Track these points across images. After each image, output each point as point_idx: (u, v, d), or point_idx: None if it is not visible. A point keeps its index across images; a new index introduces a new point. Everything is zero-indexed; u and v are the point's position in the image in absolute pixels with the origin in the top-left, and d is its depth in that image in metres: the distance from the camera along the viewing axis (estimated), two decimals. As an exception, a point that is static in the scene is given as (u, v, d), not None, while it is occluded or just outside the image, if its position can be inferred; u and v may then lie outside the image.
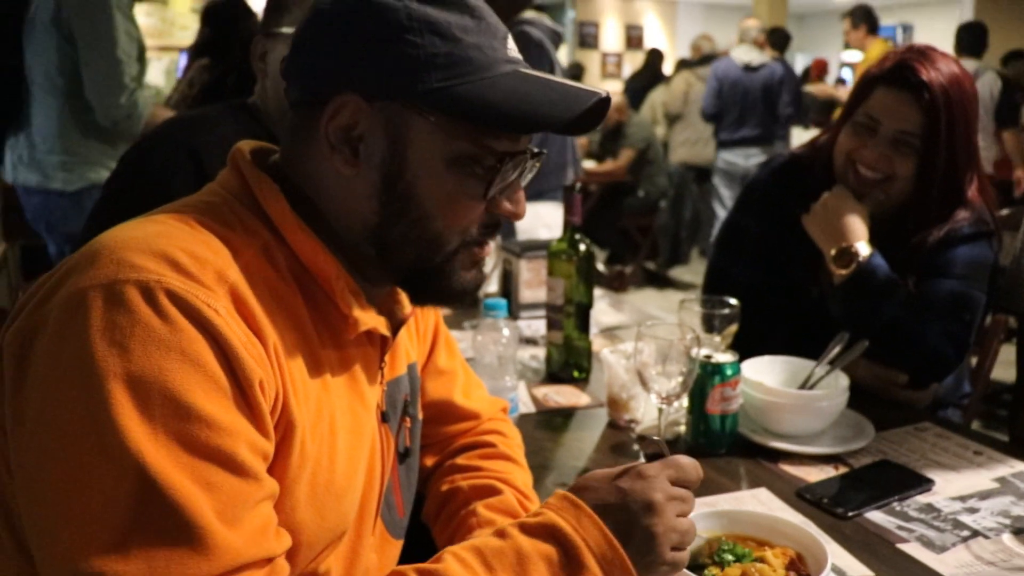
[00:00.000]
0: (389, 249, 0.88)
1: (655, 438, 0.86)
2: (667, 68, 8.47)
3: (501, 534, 0.82)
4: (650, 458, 0.90)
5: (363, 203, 0.86)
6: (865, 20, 5.83)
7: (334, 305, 0.87)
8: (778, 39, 6.66)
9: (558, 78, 0.88)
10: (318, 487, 0.84)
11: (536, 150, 0.89)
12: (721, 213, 6.27)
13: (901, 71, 1.61)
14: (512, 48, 0.88)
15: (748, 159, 6.02)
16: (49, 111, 2.83)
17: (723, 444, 1.42)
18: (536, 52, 3.75)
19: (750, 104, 5.98)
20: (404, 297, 1.02)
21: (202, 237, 0.79)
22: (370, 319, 0.90)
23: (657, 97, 7.37)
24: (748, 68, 6.01)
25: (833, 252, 1.63)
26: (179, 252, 0.75)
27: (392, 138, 0.84)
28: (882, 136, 1.63)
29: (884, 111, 1.63)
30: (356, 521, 0.94)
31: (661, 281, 6.88)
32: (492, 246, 0.95)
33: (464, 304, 0.97)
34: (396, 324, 0.97)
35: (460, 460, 1.16)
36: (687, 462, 0.89)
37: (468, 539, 1.00)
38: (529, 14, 3.46)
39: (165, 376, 0.69)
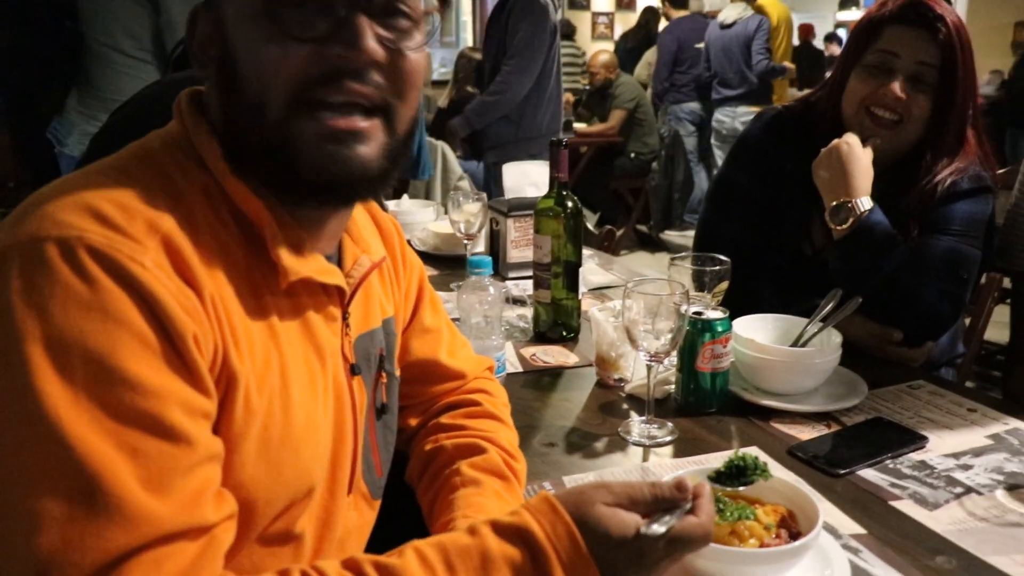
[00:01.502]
0: (240, 145, 0.81)
1: (666, 519, 0.79)
2: (662, 26, 8.36)
3: (472, 531, 0.77)
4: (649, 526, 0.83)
5: (218, 107, 0.83)
6: None
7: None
8: None
9: None
10: (271, 441, 0.80)
11: None
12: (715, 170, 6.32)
13: (915, 7, 1.60)
14: None
15: (736, 118, 6.12)
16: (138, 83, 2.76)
17: (713, 402, 1.40)
18: (541, 13, 3.76)
19: (730, 62, 6.09)
20: (374, 247, 0.99)
21: (136, 185, 0.75)
22: (310, 268, 0.85)
23: (647, 57, 7.28)
24: (723, 26, 6.10)
25: (833, 204, 1.60)
26: (105, 203, 0.72)
27: (218, 23, 0.81)
28: (901, 71, 1.61)
29: (901, 45, 1.61)
30: (328, 479, 0.90)
31: (654, 244, 6.84)
32: (362, 120, 0.81)
33: (361, 194, 0.84)
34: (359, 274, 0.94)
35: (444, 419, 1.13)
36: (696, 535, 0.80)
37: (446, 516, 0.97)
38: None
39: (86, 338, 0.66)
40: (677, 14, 6.91)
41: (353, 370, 0.94)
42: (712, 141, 6.43)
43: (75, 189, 0.73)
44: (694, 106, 6.66)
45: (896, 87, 1.61)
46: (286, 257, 0.83)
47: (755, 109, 6.00)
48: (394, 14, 0.81)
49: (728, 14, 6.14)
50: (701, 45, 6.61)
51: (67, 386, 0.64)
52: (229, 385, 0.76)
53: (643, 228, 6.94)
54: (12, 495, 0.63)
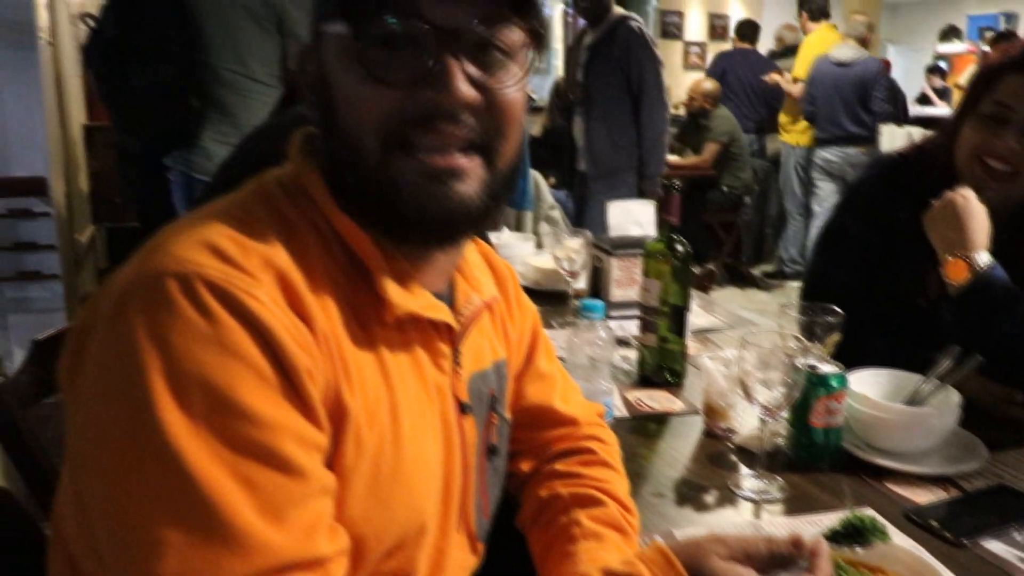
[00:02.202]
0: (344, 185, 0.84)
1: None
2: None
3: None
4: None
5: (321, 141, 0.86)
6: (804, 7, 6.51)
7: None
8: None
9: None
10: (381, 476, 0.82)
11: (449, 27, 0.77)
12: (817, 209, 6.27)
13: None
14: None
15: (846, 159, 6.05)
16: (270, 107, 2.77)
17: (825, 459, 1.37)
18: (653, 44, 3.91)
19: (843, 101, 5.97)
20: (485, 285, 1.01)
21: (253, 223, 0.78)
22: (417, 304, 0.87)
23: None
24: (840, 64, 5.97)
25: (949, 260, 1.55)
26: (223, 239, 0.75)
27: (319, 63, 0.84)
28: (1016, 124, 1.55)
29: (1018, 97, 1.55)
30: (440, 517, 0.92)
31: (742, 279, 6.74)
32: (461, 157, 0.81)
33: (462, 231, 0.84)
34: (470, 312, 0.96)
35: (559, 466, 1.13)
36: None
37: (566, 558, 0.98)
38: (619, 10, 3.57)
39: (205, 370, 0.68)
40: (741, 46, 6.95)
41: (464, 409, 0.95)
42: (814, 175, 6.36)
43: (196, 227, 0.77)
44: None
45: (1009, 139, 1.56)
46: (392, 291, 0.85)
47: (862, 150, 6.00)
48: (488, 51, 0.81)
49: (844, 53, 6.03)
50: (767, 77, 6.68)
51: (187, 417, 0.67)
52: (340, 419, 0.78)
53: (731, 263, 6.85)
54: (133, 522, 0.66)
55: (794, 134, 6.53)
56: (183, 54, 2.93)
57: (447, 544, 0.94)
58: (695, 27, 12.53)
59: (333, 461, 0.78)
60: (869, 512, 1.16)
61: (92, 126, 5.48)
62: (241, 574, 0.66)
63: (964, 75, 8.40)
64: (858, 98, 5.95)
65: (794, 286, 6.27)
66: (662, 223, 1.69)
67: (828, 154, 6.16)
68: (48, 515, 1.33)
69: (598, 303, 1.47)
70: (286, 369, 0.72)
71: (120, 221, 5.54)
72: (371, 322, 0.84)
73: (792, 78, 6.53)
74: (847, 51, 6.03)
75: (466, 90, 0.79)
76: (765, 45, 7.67)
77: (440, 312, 0.91)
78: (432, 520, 0.90)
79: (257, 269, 0.74)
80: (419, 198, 0.81)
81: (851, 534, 0.99)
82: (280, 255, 0.76)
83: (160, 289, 0.70)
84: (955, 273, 1.55)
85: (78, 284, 4.49)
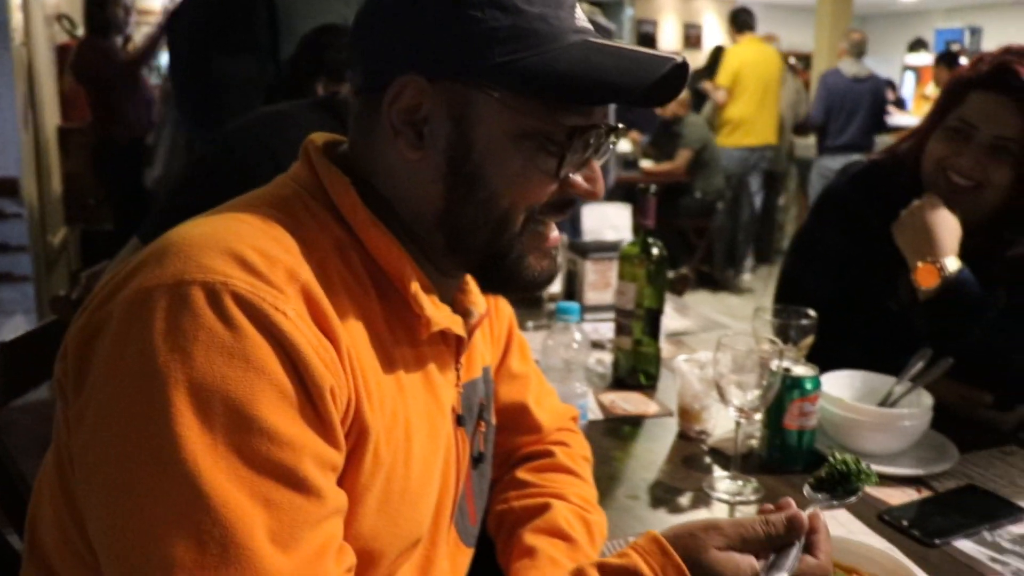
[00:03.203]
0: (458, 235, 0.84)
1: (784, 563, 0.79)
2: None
3: (578, 573, 0.78)
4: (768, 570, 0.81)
5: (430, 188, 0.83)
6: (732, 22, 6.88)
7: (407, 304, 0.84)
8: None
9: (631, 46, 0.83)
10: (392, 494, 0.81)
11: (613, 124, 0.84)
12: None
13: (1001, 74, 1.53)
14: (580, 17, 0.83)
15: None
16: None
17: (799, 461, 1.37)
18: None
19: (857, 114, 6.41)
20: (479, 296, 0.99)
21: (273, 233, 0.76)
22: (444, 318, 0.87)
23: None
24: (857, 80, 6.43)
25: (919, 265, 1.56)
26: (249, 250, 0.72)
27: (456, 118, 0.80)
28: (978, 142, 1.56)
29: (981, 116, 1.56)
30: (431, 528, 0.91)
31: (714, 284, 6.79)
32: (560, 235, 0.90)
33: (534, 296, 0.90)
34: (471, 324, 0.94)
35: (519, 473, 1.13)
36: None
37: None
38: (585, 7, 3.51)
39: (228, 384, 0.66)
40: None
41: (459, 420, 0.95)
42: (811, 179, 6.69)
43: (213, 233, 0.74)
44: None
45: (967, 160, 1.56)
46: (428, 308, 0.84)
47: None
48: None
49: (858, 69, 6.46)
50: (701, 85, 6.93)
51: (206, 432, 0.65)
52: (360, 438, 0.77)
53: (705, 268, 6.89)
54: (142, 539, 0.64)
55: (730, 137, 6.75)
56: (269, 50, 2.87)
57: (435, 554, 0.93)
58: (670, 36, 12.62)
59: (350, 479, 0.76)
60: (850, 456, 1.15)
61: (66, 128, 5.42)
62: None
63: (929, 86, 8.57)
64: (871, 112, 6.42)
65: (765, 290, 6.32)
66: (637, 227, 1.69)
67: (830, 162, 6.39)
68: (15, 523, 1.31)
69: (574, 305, 1.47)
70: (309, 388, 0.70)
71: (93, 223, 5.47)
72: (389, 339, 0.83)
73: (714, 85, 6.82)
74: (857, 67, 6.44)
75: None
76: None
77: (459, 326, 0.90)
78: (425, 531, 0.90)
79: (283, 283, 0.72)
80: (540, 269, 0.87)
81: (836, 480, 0.98)
82: (303, 268, 0.74)
83: (184, 297, 0.67)
84: (925, 279, 1.56)
85: (50, 286, 4.43)
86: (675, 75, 0.80)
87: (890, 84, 10.48)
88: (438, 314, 0.86)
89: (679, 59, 0.80)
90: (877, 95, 6.49)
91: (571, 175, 0.83)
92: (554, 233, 0.88)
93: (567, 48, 0.79)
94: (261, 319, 0.68)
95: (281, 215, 0.79)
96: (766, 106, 6.64)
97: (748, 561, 0.78)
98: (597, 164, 0.86)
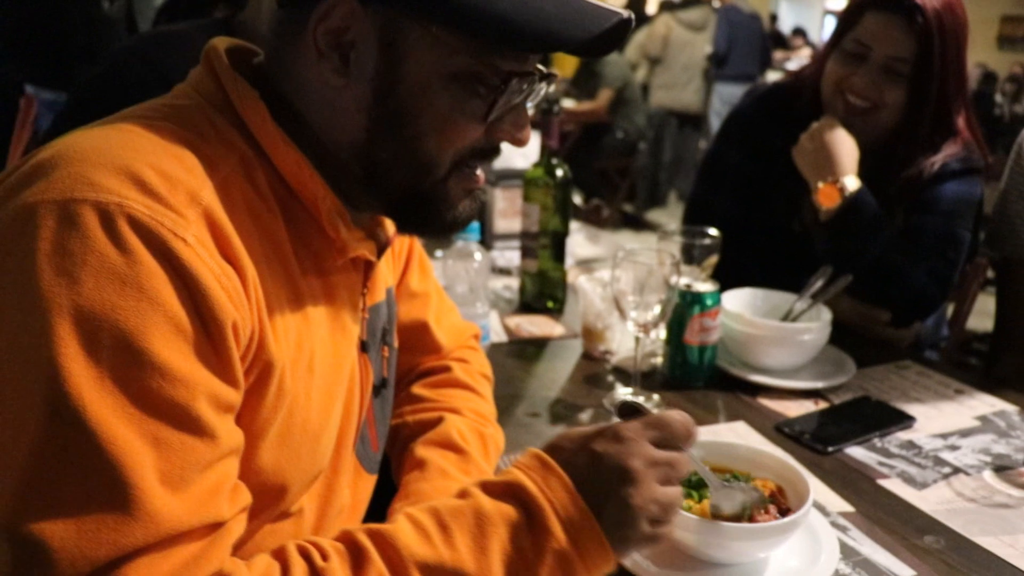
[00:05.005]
0: (377, 170, 0.79)
1: (631, 399, 0.80)
2: (650, 9, 8.28)
3: (463, 494, 0.76)
4: (623, 415, 0.83)
5: (351, 117, 0.77)
6: None
7: (319, 229, 0.79)
8: None
9: None
10: (294, 427, 0.77)
11: (546, 71, 0.80)
12: None
13: None
14: None
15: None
16: None
17: (701, 377, 1.38)
18: None
19: (752, 46, 6.87)
20: (386, 219, 0.94)
21: (173, 150, 0.69)
22: (358, 244, 0.83)
23: (638, 38, 7.21)
24: (754, 17, 6.97)
25: (820, 186, 1.57)
26: (146, 168, 0.65)
27: (386, 47, 0.74)
28: (872, 63, 1.56)
29: (874, 37, 1.56)
30: (333, 457, 0.87)
31: (638, 223, 6.82)
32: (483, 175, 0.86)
33: (452, 237, 0.86)
34: (379, 247, 0.89)
35: (414, 389, 1.10)
36: (675, 418, 0.81)
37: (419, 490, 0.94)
38: None
39: (118, 314, 0.60)
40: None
41: (363, 347, 0.91)
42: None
43: (107, 148, 0.67)
44: None
45: (862, 80, 1.57)
46: (344, 233, 0.80)
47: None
48: None
49: (749, 8, 7.03)
50: None
51: (92, 364, 0.59)
52: (263, 372, 0.72)
53: (628, 208, 6.92)
54: (21, 480, 0.58)
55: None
56: None
57: (336, 483, 0.89)
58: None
59: (250, 413, 0.72)
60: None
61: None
62: (139, 542, 0.59)
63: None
64: (761, 45, 7.10)
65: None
66: (542, 148, 1.65)
67: (731, 88, 6.74)
68: None
69: (472, 225, 1.43)
70: (207, 322, 0.65)
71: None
72: (295, 266, 0.78)
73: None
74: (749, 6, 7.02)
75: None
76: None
77: (370, 250, 0.86)
78: (327, 462, 0.86)
79: (184, 206, 0.66)
80: (463, 212, 0.84)
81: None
82: (206, 188, 0.68)
83: (73, 217, 0.61)
84: (826, 199, 1.57)
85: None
86: (617, 29, 0.76)
87: (800, 31, 10.79)
88: (352, 240, 0.82)
89: (625, 15, 0.76)
90: (765, 32, 7.41)
91: (499, 120, 0.79)
92: (480, 175, 0.84)
93: None
94: (158, 245, 0.63)
95: (180, 129, 0.72)
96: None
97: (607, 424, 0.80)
98: (527, 111, 0.82)
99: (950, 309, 2.00)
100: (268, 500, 0.76)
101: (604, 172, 6.56)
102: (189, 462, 0.63)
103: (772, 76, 6.84)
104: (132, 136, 0.70)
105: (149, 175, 0.65)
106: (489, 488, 0.76)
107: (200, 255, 0.65)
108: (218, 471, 0.66)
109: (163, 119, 0.73)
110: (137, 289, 0.61)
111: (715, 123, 6.96)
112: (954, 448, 1.20)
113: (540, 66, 0.81)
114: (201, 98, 0.77)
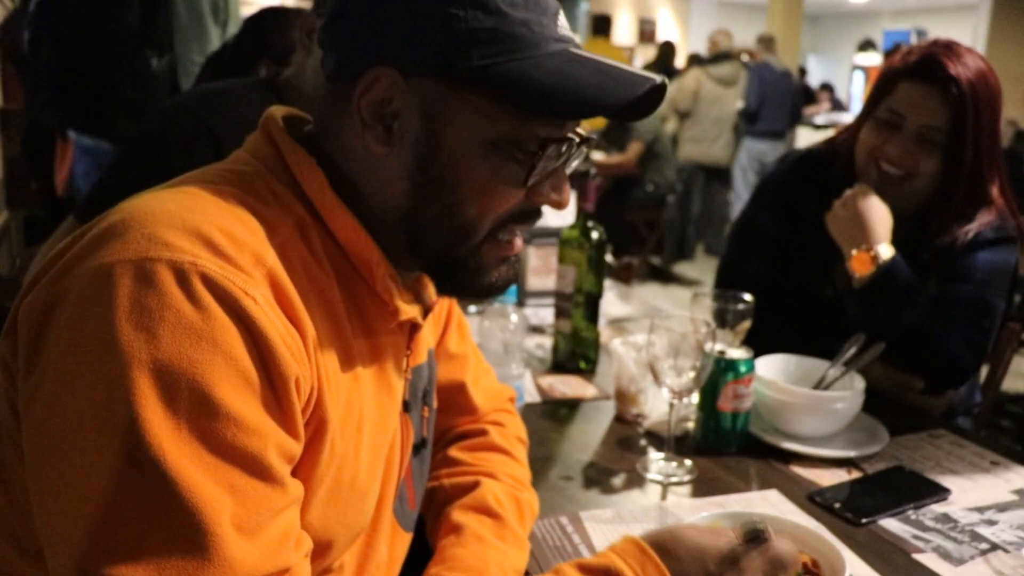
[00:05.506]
0: (420, 234, 0.82)
1: (756, 521, 0.85)
2: (678, 63, 8.40)
3: (557, 572, 0.80)
4: (748, 541, 0.86)
5: (395, 184, 0.80)
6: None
7: (370, 291, 0.82)
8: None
9: (611, 61, 0.81)
10: (343, 484, 0.80)
11: (584, 135, 0.82)
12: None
13: (927, 65, 1.56)
14: (563, 25, 0.81)
15: (775, 150, 6.82)
16: None
17: (733, 443, 1.38)
18: None
19: (783, 104, 7.07)
20: (430, 281, 0.97)
21: (237, 213, 0.73)
22: (409, 308, 0.86)
23: (668, 91, 7.28)
24: (786, 74, 7.15)
25: (854, 253, 1.58)
26: (215, 231, 0.69)
27: (428, 117, 0.77)
28: (906, 132, 1.59)
29: (909, 106, 1.58)
30: (373, 516, 0.90)
31: (665, 276, 6.83)
32: (522, 243, 0.88)
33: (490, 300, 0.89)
34: (424, 309, 0.92)
35: (451, 452, 1.12)
36: (787, 551, 0.85)
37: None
38: None
39: (194, 368, 0.63)
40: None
41: (405, 407, 0.93)
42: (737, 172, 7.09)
43: (177, 210, 0.70)
44: None
45: (896, 148, 1.59)
46: (397, 297, 0.83)
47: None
48: None
49: (782, 66, 7.23)
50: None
51: (171, 416, 0.62)
52: (318, 429, 0.75)
53: (655, 260, 6.94)
54: (103, 528, 0.61)
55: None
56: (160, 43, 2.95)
57: (375, 539, 0.91)
58: (624, 30, 12.68)
59: (305, 470, 0.75)
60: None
61: (7, 110, 5.24)
62: None
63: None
64: (792, 103, 7.23)
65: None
66: (578, 210, 1.68)
67: (759, 145, 6.98)
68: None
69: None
70: (273, 377, 0.68)
71: (36, 207, 5.31)
72: (347, 328, 0.81)
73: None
74: (781, 63, 7.22)
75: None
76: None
77: (417, 313, 0.89)
78: (370, 519, 0.89)
79: (251, 266, 0.69)
80: (499, 278, 0.86)
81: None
82: (268, 251, 0.71)
83: (150, 276, 0.64)
84: (859, 266, 1.59)
85: (-7, 271, 4.29)
86: (652, 95, 0.80)
87: (827, 86, 10.87)
88: (404, 304, 0.85)
89: (658, 80, 0.79)
90: (796, 89, 7.48)
91: (538, 185, 0.82)
92: (518, 241, 0.86)
93: (547, 57, 0.77)
94: (231, 303, 0.66)
95: (242, 193, 0.76)
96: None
97: (726, 533, 0.84)
98: (566, 175, 0.85)
99: (984, 373, 1.99)
100: (314, 556, 0.78)
101: (632, 225, 6.60)
102: (262, 509, 0.66)
103: (800, 131, 6.91)
104: (199, 199, 0.73)
105: (218, 236, 0.69)
106: (585, 568, 0.81)
107: (267, 313, 0.68)
108: (286, 518, 0.69)
109: (226, 183, 0.77)
110: (212, 344, 0.64)
111: (739, 177, 7.06)
112: (991, 523, 1.20)
113: (578, 130, 0.83)
114: (259, 164, 0.81)
